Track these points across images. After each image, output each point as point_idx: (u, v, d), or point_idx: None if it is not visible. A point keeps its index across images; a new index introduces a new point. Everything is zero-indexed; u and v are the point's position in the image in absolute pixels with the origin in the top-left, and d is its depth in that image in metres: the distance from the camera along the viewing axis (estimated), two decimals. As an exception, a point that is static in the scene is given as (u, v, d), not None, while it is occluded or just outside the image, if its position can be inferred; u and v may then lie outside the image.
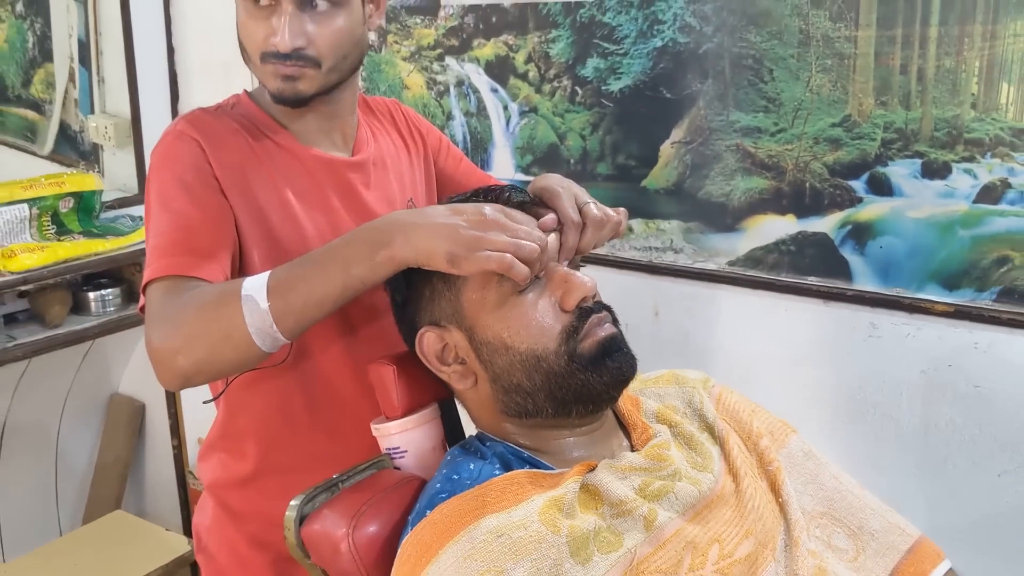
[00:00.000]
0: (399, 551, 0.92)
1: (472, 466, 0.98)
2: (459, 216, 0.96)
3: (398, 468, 1.10)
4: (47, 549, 2.31)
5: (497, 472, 0.97)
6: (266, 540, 1.26)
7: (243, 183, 1.17)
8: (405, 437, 1.09)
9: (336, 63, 1.16)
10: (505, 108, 2.06)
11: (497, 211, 0.98)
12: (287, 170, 1.21)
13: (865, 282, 1.69)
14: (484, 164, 2.10)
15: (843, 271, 1.71)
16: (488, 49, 2.05)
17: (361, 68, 1.26)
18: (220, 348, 0.99)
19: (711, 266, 1.85)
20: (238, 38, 1.17)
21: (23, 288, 2.14)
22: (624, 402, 1.11)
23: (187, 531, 2.44)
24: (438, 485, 0.97)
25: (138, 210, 2.53)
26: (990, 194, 1.55)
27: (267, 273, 1.00)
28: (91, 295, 2.31)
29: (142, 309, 1.08)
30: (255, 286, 0.99)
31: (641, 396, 1.14)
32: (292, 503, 1.01)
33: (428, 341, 1.04)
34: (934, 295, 1.63)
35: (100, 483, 2.52)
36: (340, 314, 1.16)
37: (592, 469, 0.99)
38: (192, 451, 2.48)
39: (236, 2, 1.16)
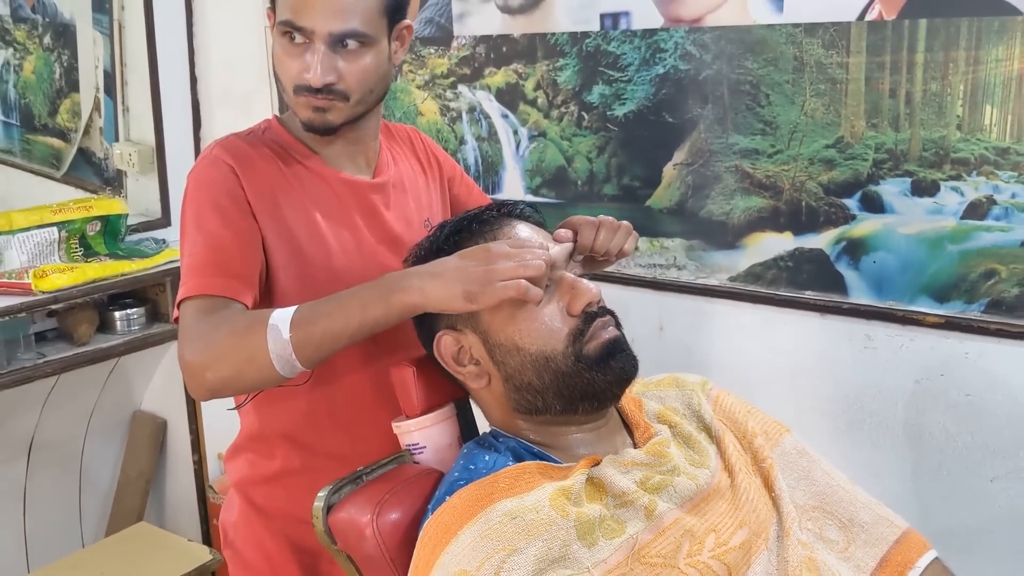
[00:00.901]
0: (421, 533, 1.00)
1: (487, 457, 1.06)
2: (467, 259, 1.05)
3: (417, 463, 1.18)
4: (71, 560, 2.37)
5: (510, 463, 1.05)
6: (290, 535, 1.34)
7: (274, 207, 1.26)
8: (424, 434, 1.17)
9: (363, 96, 1.25)
10: (515, 133, 2.15)
11: (501, 243, 1.07)
12: (315, 192, 1.30)
13: (860, 295, 1.77)
14: (495, 186, 2.19)
15: (839, 285, 1.78)
16: (499, 77, 2.15)
17: (384, 101, 1.35)
18: (244, 369, 1.09)
19: (713, 282, 1.93)
20: (273, 69, 1.27)
21: (53, 307, 2.23)
22: (627, 403, 1.19)
23: (208, 542, 2.51)
24: (456, 474, 1.05)
25: (161, 233, 2.62)
26: (976, 210, 1.63)
27: (294, 307, 1.09)
28: (117, 314, 2.39)
29: (176, 321, 1.18)
30: (281, 317, 1.08)
31: (643, 398, 1.21)
32: (320, 494, 1.09)
33: (445, 344, 1.12)
34: (926, 307, 1.70)
35: (123, 496, 2.59)
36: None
37: (597, 463, 1.07)
38: (212, 466, 2.55)
39: (274, 36, 1.25)
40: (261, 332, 1.07)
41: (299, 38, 1.20)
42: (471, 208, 1.47)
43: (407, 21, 1.29)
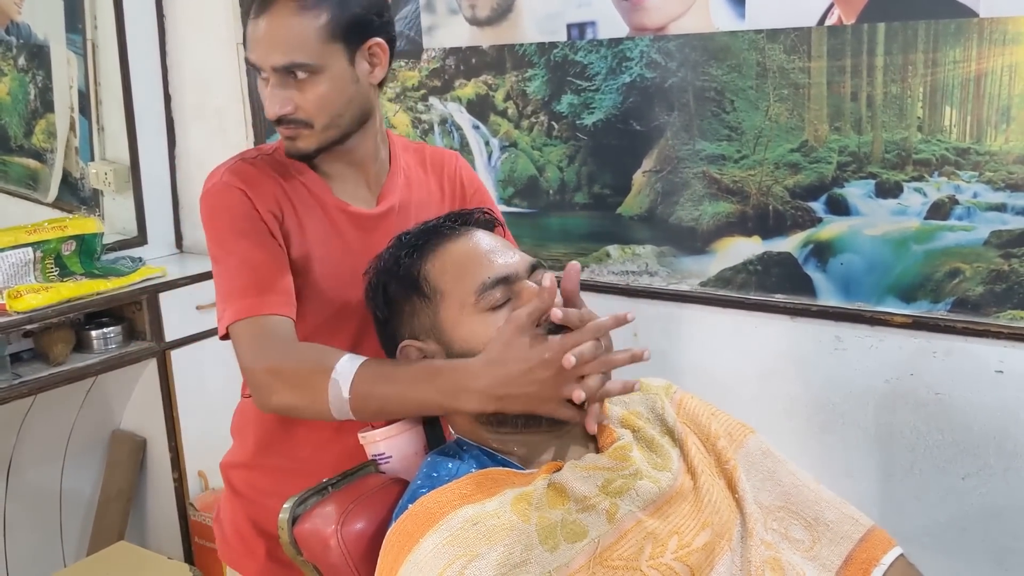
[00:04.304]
0: (384, 542, 1.00)
1: (450, 465, 1.07)
2: (536, 373, 1.04)
3: (383, 473, 1.18)
4: (53, 580, 2.38)
5: (473, 470, 1.06)
6: (261, 525, 1.40)
7: (278, 223, 1.30)
8: (390, 444, 1.18)
9: (330, 122, 1.27)
10: (487, 143, 2.17)
11: (573, 353, 1.04)
12: (313, 218, 1.32)
13: (828, 297, 1.79)
14: (468, 197, 2.21)
15: (807, 288, 1.80)
16: (469, 89, 2.16)
17: (375, 120, 1.36)
18: (306, 405, 1.17)
19: (684, 287, 1.95)
20: None
21: (28, 327, 2.23)
22: (591, 408, 1.19)
23: (189, 559, 2.51)
24: (419, 482, 1.06)
25: (137, 251, 2.63)
26: (939, 211, 1.65)
27: (356, 365, 1.13)
28: (93, 333, 2.40)
29: (223, 338, 1.24)
30: (344, 373, 1.13)
31: (607, 403, 1.22)
32: (285, 505, 1.09)
33: (408, 353, 1.13)
34: (893, 308, 1.72)
35: (103, 516, 2.58)
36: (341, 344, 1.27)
37: (559, 469, 1.08)
38: (192, 483, 2.55)
39: None
40: (324, 382, 1.13)
41: (263, 73, 1.25)
42: None
43: (376, 39, 1.29)
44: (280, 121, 1.26)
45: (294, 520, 1.09)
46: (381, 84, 1.34)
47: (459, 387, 1.06)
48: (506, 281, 1.10)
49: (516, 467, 1.08)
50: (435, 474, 1.06)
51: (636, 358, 1.08)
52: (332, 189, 1.34)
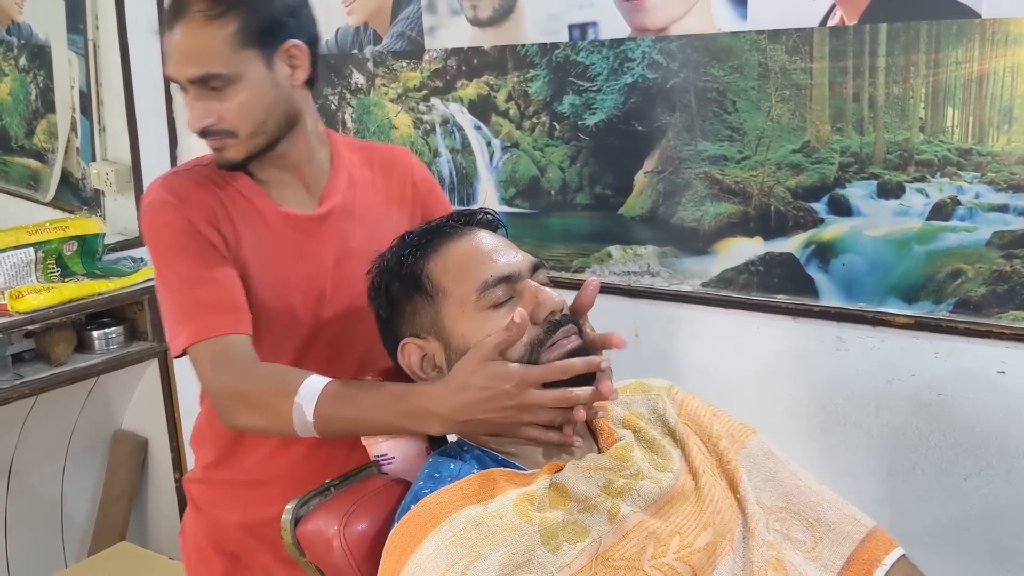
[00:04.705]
0: (387, 543, 1.00)
1: (452, 465, 1.07)
2: (497, 403, 1.04)
3: (385, 474, 1.19)
4: (54, 580, 2.38)
5: (475, 471, 1.06)
6: (219, 543, 1.40)
7: (217, 233, 1.27)
8: (392, 444, 1.18)
9: (256, 129, 1.25)
10: (488, 144, 2.17)
11: (534, 392, 1.05)
12: (251, 224, 1.30)
13: (830, 298, 1.78)
14: (470, 198, 2.21)
15: (809, 288, 1.80)
16: (471, 89, 2.16)
17: (306, 122, 1.32)
18: (269, 428, 1.19)
19: (686, 288, 1.95)
20: None
21: (30, 328, 2.23)
22: (592, 409, 1.19)
23: (190, 561, 2.50)
24: (421, 483, 1.06)
25: (139, 252, 2.63)
26: (941, 211, 1.65)
27: (320, 388, 1.13)
28: (95, 334, 2.40)
29: (177, 357, 1.24)
30: (308, 396, 1.13)
31: (609, 404, 1.22)
32: (288, 506, 1.10)
33: (409, 351, 1.13)
34: (895, 308, 1.72)
35: (105, 516, 2.58)
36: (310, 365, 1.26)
37: (560, 469, 1.08)
38: (194, 484, 2.55)
39: None
40: (288, 405, 1.13)
41: (182, 86, 1.25)
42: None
43: (293, 41, 1.26)
44: (204, 133, 1.24)
45: (297, 521, 1.09)
46: (311, 84, 1.31)
47: (423, 411, 1.07)
48: (508, 280, 1.11)
49: (517, 467, 1.08)
50: (437, 475, 1.06)
51: (602, 396, 1.08)
52: (270, 195, 1.32)
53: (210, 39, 1.20)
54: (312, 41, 1.30)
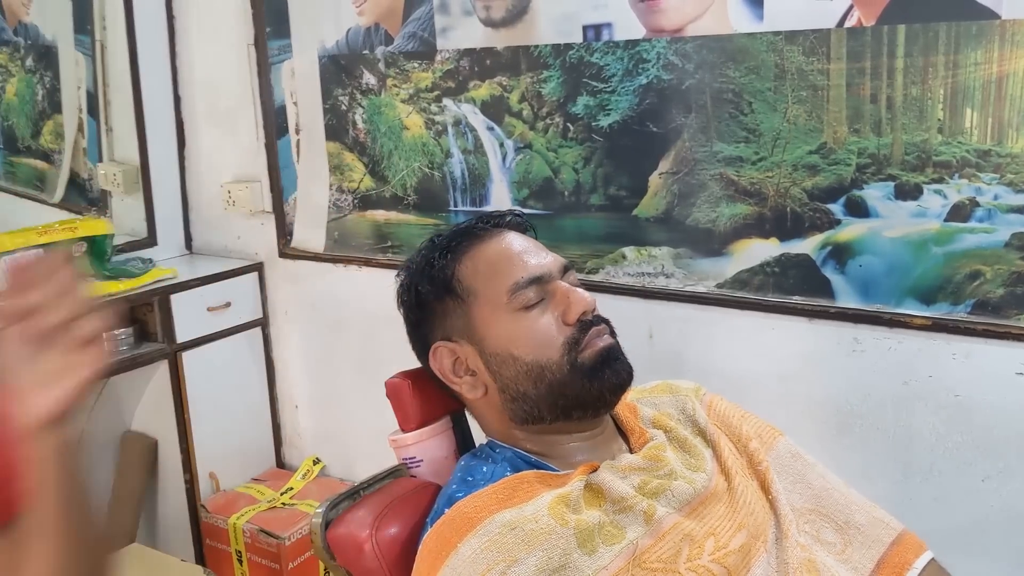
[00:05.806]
0: (420, 547, 1.00)
1: (485, 469, 1.07)
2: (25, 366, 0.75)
3: (414, 476, 1.18)
4: (64, 584, 2.36)
5: (508, 473, 1.05)
6: None
7: None
8: (420, 447, 1.18)
9: None
10: (501, 145, 2.16)
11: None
12: None
13: (847, 299, 1.78)
14: (483, 199, 2.20)
15: (826, 290, 1.80)
16: (483, 90, 2.16)
17: None
18: None
19: (701, 289, 1.94)
20: None
21: (40, 329, 2.22)
22: (622, 409, 1.19)
23: (201, 561, 2.50)
24: (454, 486, 1.05)
25: (147, 253, 2.62)
26: (959, 213, 1.64)
27: None
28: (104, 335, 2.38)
29: None
30: None
31: (638, 404, 1.22)
32: (317, 510, 1.09)
33: (441, 355, 1.13)
34: (912, 310, 1.72)
35: (115, 517, 2.57)
36: None
37: (595, 470, 1.08)
38: (204, 485, 2.54)
39: None
40: None
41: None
42: None
43: None
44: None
45: (327, 525, 1.08)
46: None
47: (25, 460, 0.79)
48: (539, 281, 1.10)
49: (551, 468, 1.08)
50: (470, 478, 1.05)
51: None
52: None
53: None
54: None
